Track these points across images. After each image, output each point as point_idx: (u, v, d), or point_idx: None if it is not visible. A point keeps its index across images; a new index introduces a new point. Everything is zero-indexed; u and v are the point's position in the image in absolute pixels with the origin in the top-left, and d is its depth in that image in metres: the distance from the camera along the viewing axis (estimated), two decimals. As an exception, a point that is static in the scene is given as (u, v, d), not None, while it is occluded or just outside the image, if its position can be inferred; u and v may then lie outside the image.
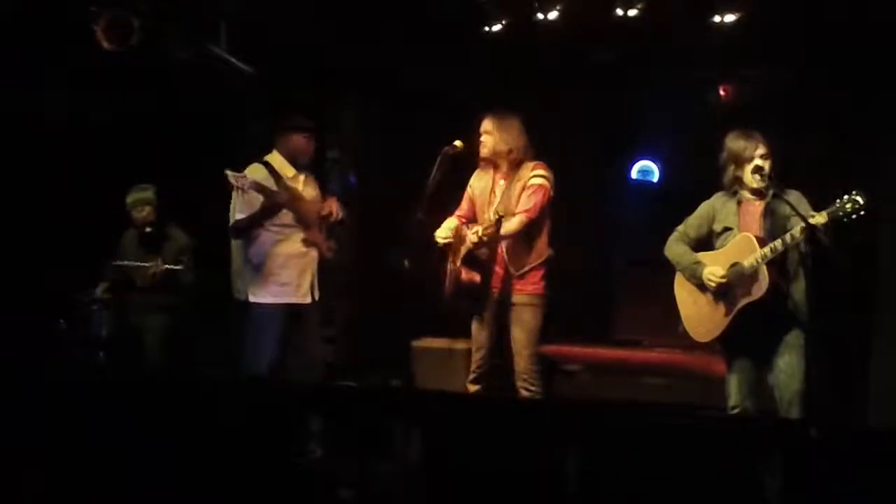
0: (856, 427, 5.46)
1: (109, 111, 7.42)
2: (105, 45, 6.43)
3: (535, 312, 5.75)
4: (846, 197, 4.80)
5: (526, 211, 5.66)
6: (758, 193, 5.24)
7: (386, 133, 8.33)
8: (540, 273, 5.78)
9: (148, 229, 7.06)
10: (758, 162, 5.19)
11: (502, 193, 5.77)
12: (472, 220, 5.93)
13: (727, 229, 5.31)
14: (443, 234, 5.84)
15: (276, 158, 6.09)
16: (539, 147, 5.92)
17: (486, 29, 7.27)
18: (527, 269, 5.73)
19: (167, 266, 6.95)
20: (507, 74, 7.88)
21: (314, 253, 6.12)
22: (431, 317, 6.68)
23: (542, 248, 5.79)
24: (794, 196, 5.15)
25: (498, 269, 5.73)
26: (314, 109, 6.51)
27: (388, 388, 6.60)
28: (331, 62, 7.81)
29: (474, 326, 5.88)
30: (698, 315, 5.40)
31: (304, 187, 6.15)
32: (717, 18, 6.76)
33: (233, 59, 7.12)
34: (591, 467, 4.07)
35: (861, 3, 6.56)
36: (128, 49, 6.48)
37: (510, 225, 5.61)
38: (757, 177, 5.18)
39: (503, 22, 7.21)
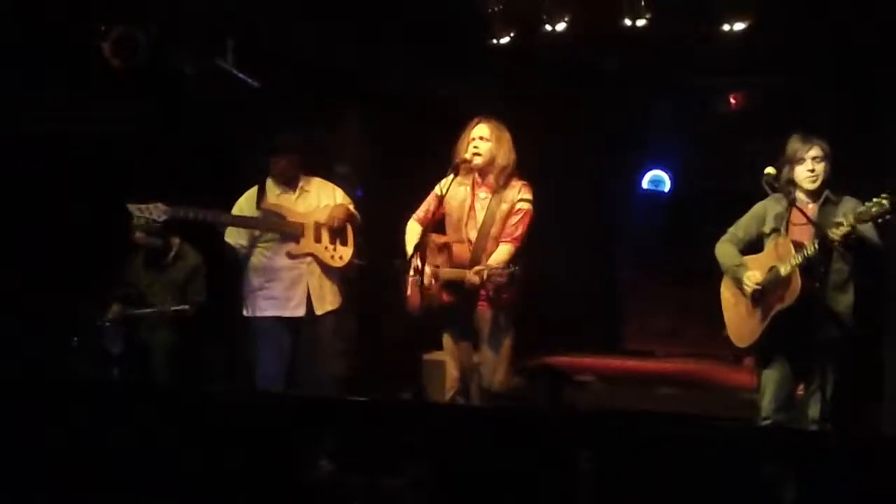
0: (871, 435, 5.43)
1: (118, 125, 7.43)
2: (113, 61, 6.44)
3: (507, 322, 5.55)
4: (874, 199, 4.73)
5: (514, 240, 5.50)
6: (811, 196, 5.19)
7: (393, 146, 8.33)
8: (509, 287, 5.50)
9: (144, 251, 7.05)
10: (809, 163, 5.16)
11: (485, 210, 5.57)
12: (434, 223, 5.69)
13: (775, 230, 5.25)
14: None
15: (270, 179, 6.22)
16: (549, 157, 5.86)
17: (494, 40, 7.26)
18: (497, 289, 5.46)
19: (173, 309, 6.94)
20: (515, 85, 7.88)
21: (309, 265, 6.07)
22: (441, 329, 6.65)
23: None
24: (850, 203, 5.10)
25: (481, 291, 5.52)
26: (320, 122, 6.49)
27: (399, 401, 6.57)
28: (337, 75, 7.82)
29: (448, 341, 5.69)
30: (738, 319, 5.33)
31: (299, 200, 6.16)
32: (725, 27, 6.74)
33: (239, 74, 7.12)
34: (603, 478, 4.05)
35: (868, 8, 6.54)
36: (135, 65, 6.49)
37: (499, 258, 5.44)
38: (809, 176, 5.15)
39: (511, 34, 7.20)
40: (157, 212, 5.81)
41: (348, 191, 6.52)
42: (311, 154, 6.33)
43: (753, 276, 5.18)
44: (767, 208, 5.35)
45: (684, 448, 4.06)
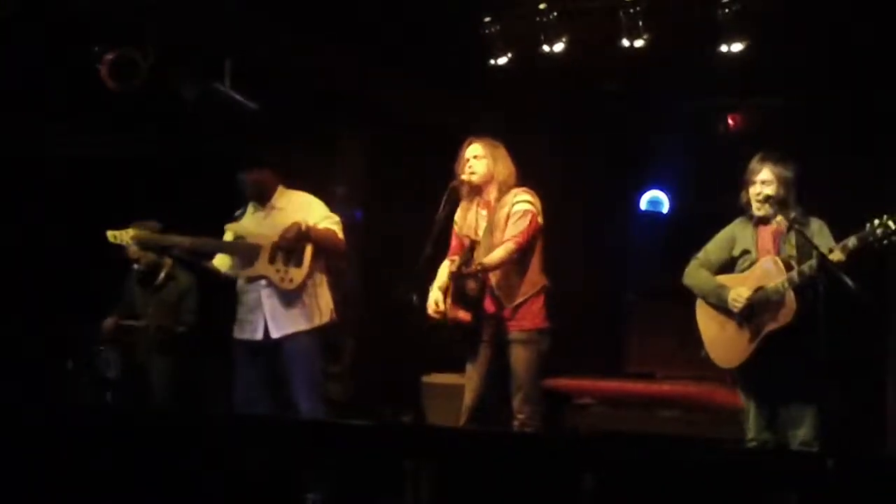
0: (873, 456, 5.39)
1: (114, 149, 7.43)
2: (110, 84, 6.41)
3: (529, 350, 5.46)
4: (877, 221, 4.64)
5: (513, 238, 5.41)
6: (762, 219, 5.16)
7: (392, 167, 8.32)
8: (536, 305, 5.51)
9: (135, 266, 7.03)
10: (758, 186, 5.12)
11: (487, 223, 5.55)
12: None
13: (745, 252, 5.20)
14: (433, 301, 5.51)
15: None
16: (548, 178, 5.83)
17: (492, 62, 7.25)
18: (520, 300, 5.46)
19: (159, 325, 6.95)
20: (514, 107, 7.87)
21: (265, 288, 5.85)
22: (441, 351, 6.61)
23: (534, 277, 5.52)
24: (815, 225, 5.06)
25: (488, 306, 5.49)
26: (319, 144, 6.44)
27: (398, 424, 6.53)
28: (336, 96, 7.81)
29: (467, 367, 5.63)
30: (722, 340, 5.25)
31: (268, 219, 5.96)
32: (723, 48, 6.73)
33: (238, 97, 7.10)
34: (604, 501, 4.01)
35: (868, 29, 6.55)
36: (132, 89, 6.46)
37: (496, 255, 5.39)
38: (756, 198, 5.12)
39: (509, 55, 7.19)
40: (126, 237, 5.80)
41: (345, 212, 6.40)
42: (288, 168, 6.14)
43: (742, 292, 5.10)
44: (735, 231, 5.30)
45: (686, 470, 4.03)
